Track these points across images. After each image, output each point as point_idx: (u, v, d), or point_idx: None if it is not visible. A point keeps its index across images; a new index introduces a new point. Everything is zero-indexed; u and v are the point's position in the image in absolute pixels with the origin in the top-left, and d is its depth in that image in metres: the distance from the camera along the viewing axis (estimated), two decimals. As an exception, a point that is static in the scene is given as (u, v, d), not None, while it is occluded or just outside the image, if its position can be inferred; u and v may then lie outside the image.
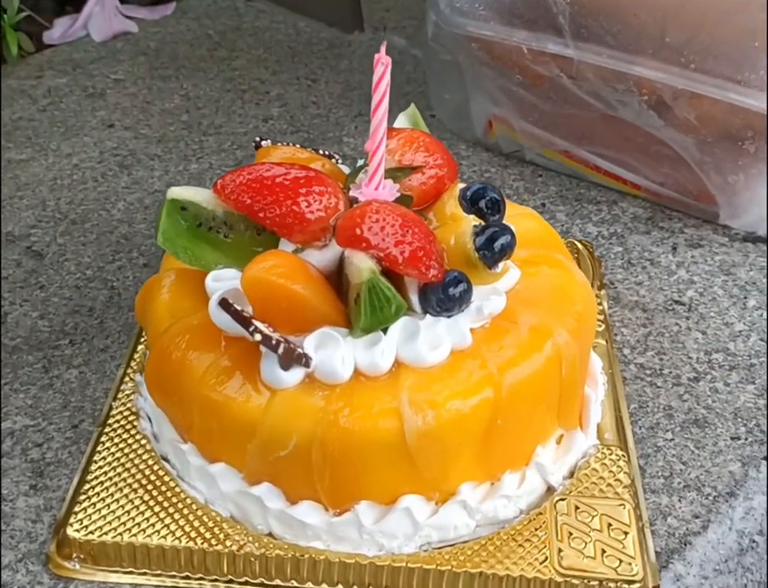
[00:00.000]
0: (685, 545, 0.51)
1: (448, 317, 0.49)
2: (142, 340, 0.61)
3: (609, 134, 0.78)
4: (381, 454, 0.46)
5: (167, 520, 0.49)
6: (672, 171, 0.76)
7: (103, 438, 0.53)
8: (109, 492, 0.50)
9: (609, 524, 0.50)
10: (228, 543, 0.48)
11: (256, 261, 0.47)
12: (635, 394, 0.61)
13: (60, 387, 0.60)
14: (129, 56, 1.02)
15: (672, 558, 0.50)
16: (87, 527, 0.49)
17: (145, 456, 0.52)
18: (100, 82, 0.97)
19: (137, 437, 0.53)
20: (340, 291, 0.50)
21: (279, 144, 0.59)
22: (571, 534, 0.49)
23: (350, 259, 0.48)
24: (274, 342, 0.43)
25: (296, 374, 0.46)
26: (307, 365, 0.46)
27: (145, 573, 0.48)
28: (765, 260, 0.73)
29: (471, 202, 0.54)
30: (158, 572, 0.48)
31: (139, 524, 0.49)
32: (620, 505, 0.51)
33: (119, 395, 0.56)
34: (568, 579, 0.47)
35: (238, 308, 0.46)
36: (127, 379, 0.57)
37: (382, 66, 0.49)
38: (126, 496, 0.50)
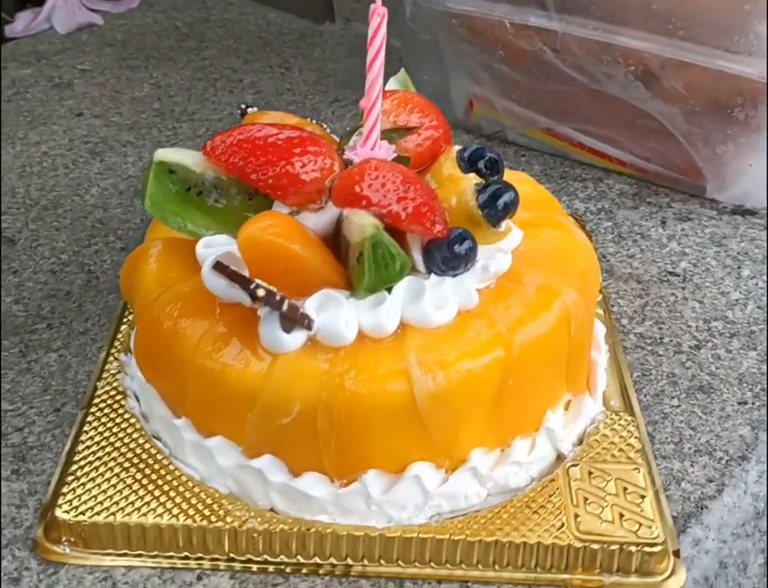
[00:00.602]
0: (702, 509, 0.49)
1: (454, 276, 0.47)
2: (125, 321, 0.58)
3: (593, 109, 0.77)
4: (389, 418, 0.44)
5: (163, 498, 0.46)
6: (658, 146, 0.75)
7: (89, 419, 0.50)
8: (99, 471, 0.47)
9: (625, 488, 0.48)
10: (229, 519, 0.45)
11: (252, 221, 0.45)
12: (637, 362, 0.59)
13: (39, 371, 0.57)
14: (95, 48, 0.99)
15: (690, 522, 0.49)
16: (76, 508, 0.46)
17: (135, 435, 0.49)
18: (66, 72, 0.94)
19: (125, 416, 0.50)
20: (337, 255, 0.48)
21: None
22: (587, 499, 0.47)
23: (350, 217, 0.46)
24: (278, 298, 0.41)
25: (298, 337, 0.44)
26: (309, 327, 0.44)
27: (140, 555, 0.45)
28: (759, 231, 0.72)
29: (469, 163, 0.52)
30: (155, 552, 0.45)
31: (132, 503, 0.46)
32: (634, 469, 0.49)
33: (104, 376, 0.53)
34: (587, 544, 0.45)
35: (235, 269, 0.44)
36: (111, 359, 0.54)
37: (378, 17, 0.47)
38: (117, 475, 0.47)
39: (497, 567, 0.46)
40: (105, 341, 0.57)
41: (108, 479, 0.47)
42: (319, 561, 0.45)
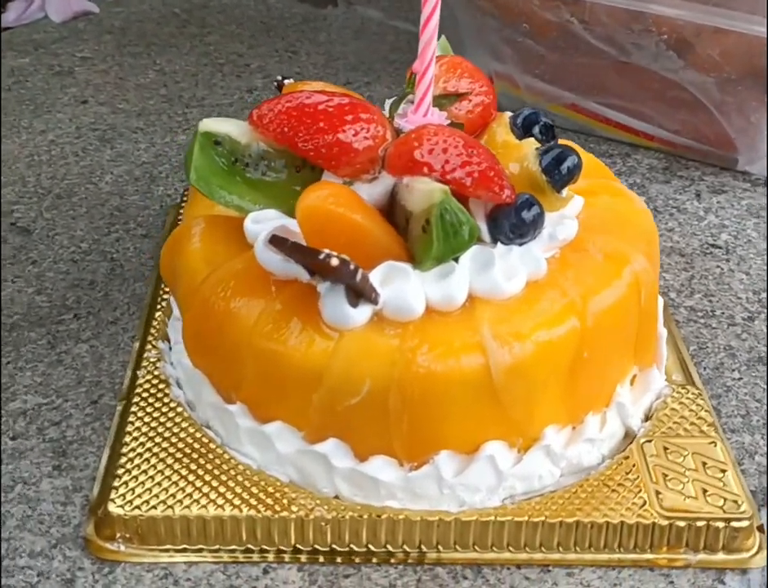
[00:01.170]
0: (779, 482, 0.48)
1: (521, 244, 0.44)
2: (158, 308, 0.55)
3: (621, 83, 0.75)
4: (464, 394, 0.41)
5: (222, 489, 0.43)
6: (688, 117, 0.74)
7: (133, 409, 0.47)
8: (151, 463, 0.44)
9: (704, 463, 0.46)
10: (294, 508, 0.42)
11: (310, 190, 0.42)
12: (691, 335, 0.57)
13: (70, 362, 0.53)
14: (93, 36, 0.96)
15: (768, 496, 0.47)
16: (131, 502, 0.42)
17: (183, 424, 0.46)
18: (65, 60, 0.90)
19: (171, 404, 0.47)
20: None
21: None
22: (666, 476, 0.45)
23: (412, 185, 0.43)
24: (352, 267, 0.38)
25: (364, 311, 0.41)
26: (376, 302, 0.41)
27: (200, 550, 0.43)
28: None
29: (523, 129, 0.50)
30: (216, 546, 0.43)
31: (190, 495, 0.43)
32: (711, 443, 0.47)
33: (143, 364, 0.50)
34: (672, 521, 0.43)
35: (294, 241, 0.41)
36: (149, 347, 0.51)
37: (434, -26, 0.45)
38: (170, 466, 0.44)
39: (578, 549, 0.43)
40: (137, 330, 0.54)
41: (161, 471, 0.44)
42: (391, 549, 0.43)
